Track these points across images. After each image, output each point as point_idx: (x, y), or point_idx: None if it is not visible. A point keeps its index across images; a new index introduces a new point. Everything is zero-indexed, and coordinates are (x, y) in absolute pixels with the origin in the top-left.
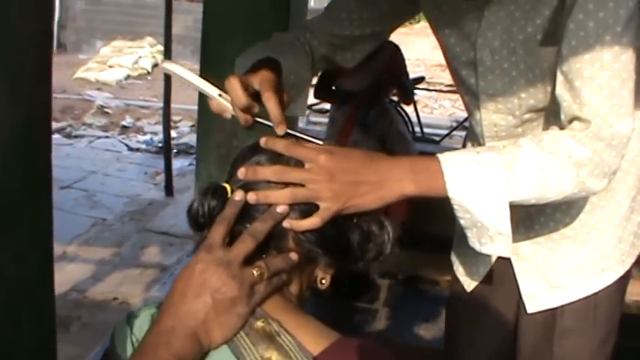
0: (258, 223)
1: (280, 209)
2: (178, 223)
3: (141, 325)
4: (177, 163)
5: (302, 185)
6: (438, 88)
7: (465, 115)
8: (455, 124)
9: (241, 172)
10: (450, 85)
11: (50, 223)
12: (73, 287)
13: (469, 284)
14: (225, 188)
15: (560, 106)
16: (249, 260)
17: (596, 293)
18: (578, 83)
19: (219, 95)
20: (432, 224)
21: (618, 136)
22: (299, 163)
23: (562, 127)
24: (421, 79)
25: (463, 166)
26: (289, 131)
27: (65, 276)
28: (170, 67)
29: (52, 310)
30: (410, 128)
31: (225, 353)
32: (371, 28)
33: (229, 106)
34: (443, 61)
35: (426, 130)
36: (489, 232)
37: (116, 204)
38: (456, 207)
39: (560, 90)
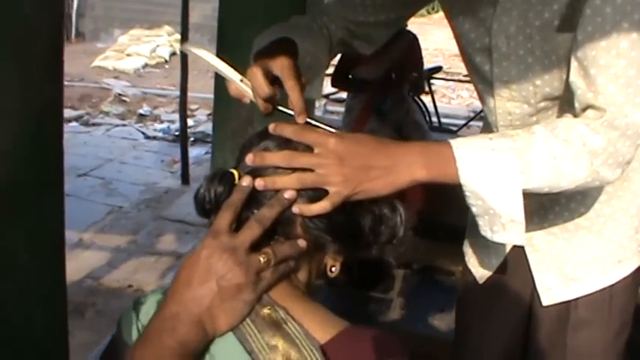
0: (265, 209)
1: (288, 195)
2: (194, 211)
3: (147, 311)
4: (194, 152)
5: (311, 170)
6: (455, 78)
7: None
8: (472, 115)
9: (249, 158)
10: (468, 75)
11: (62, 212)
12: (88, 274)
13: (481, 276)
14: (232, 174)
15: (575, 93)
16: (255, 247)
17: (612, 285)
18: (593, 71)
19: (241, 80)
20: (447, 214)
21: (633, 126)
22: (308, 149)
23: (576, 115)
24: (438, 69)
25: (475, 152)
26: (309, 120)
27: (81, 263)
28: (193, 49)
29: (64, 298)
30: (427, 118)
31: (231, 340)
32: (385, 14)
33: (250, 91)
34: None
35: (443, 120)
36: (502, 219)
37: (132, 192)
38: (467, 194)
39: (575, 77)
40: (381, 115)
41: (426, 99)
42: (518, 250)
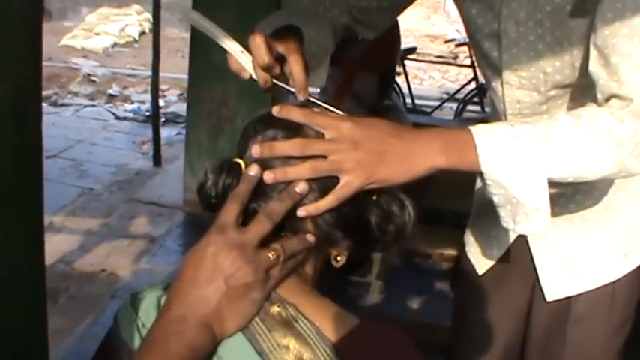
0: (275, 204)
1: (299, 189)
2: (167, 193)
3: (147, 308)
4: (165, 132)
5: (323, 157)
6: (427, 59)
7: (455, 87)
8: (445, 96)
9: (255, 151)
10: (440, 57)
11: (41, 197)
12: (60, 258)
13: (481, 266)
14: (239, 164)
15: (596, 83)
16: (263, 242)
17: (616, 280)
18: (614, 59)
19: (242, 52)
20: (425, 197)
21: None
22: (318, 134)
23: (598, 104)
24: (413, 50)
25: (497, 139)
26: (310, 98)
27: (52, 247)
28: (197, 17)
29: (43, 286)
30: (401, 99)
31: (240, 340)
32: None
33: (250, 65)
34: (432, 32)
35: (416, 101)
36: (525, 208)
37: (103, 173)
38: (489, 183)
39: (595, 66)
40: (357, 97)
41: (400, 80)
42: (521, 242)
